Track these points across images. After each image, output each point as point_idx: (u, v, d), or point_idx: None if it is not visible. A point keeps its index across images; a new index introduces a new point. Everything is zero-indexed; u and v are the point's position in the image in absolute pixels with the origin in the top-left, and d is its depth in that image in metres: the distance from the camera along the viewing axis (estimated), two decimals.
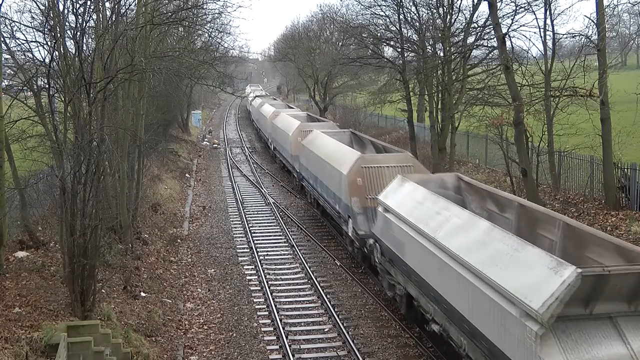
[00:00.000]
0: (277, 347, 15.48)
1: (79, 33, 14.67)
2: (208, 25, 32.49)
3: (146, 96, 25.32)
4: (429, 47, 33.75)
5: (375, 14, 36.85)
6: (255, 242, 24.34)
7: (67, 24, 16.17)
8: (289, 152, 33.79)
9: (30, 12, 25.83)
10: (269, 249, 23.53)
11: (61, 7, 16.03)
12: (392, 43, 37.28)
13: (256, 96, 63.53)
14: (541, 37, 26.02)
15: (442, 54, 31.68)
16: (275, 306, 17.75)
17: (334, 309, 17.36)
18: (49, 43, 16.64)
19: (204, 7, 29.71)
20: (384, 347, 15.17)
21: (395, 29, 35.71)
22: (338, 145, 24.86)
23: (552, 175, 25.05)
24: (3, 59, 16.32)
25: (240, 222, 27.74)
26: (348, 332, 15.86)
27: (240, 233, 26.04)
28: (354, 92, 55.27)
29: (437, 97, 32.75)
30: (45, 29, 17.08)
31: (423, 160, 31.48)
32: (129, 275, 18.35)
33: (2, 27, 16.96)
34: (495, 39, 25.41)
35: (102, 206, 16.21)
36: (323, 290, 18.79)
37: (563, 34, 35.31)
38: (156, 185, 31.25)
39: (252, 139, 59.53)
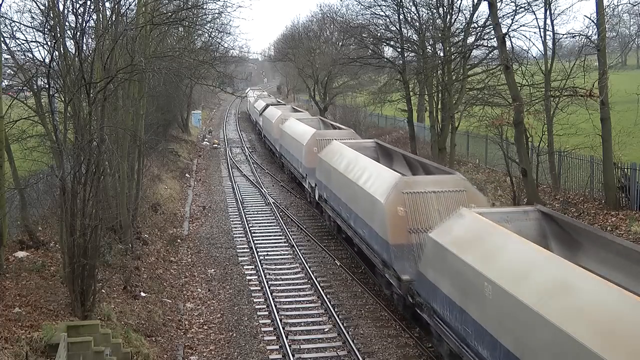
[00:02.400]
0: (277, 347, 15.48)
1: (79, 33, 14.67)
2: (208, 25, 32.54)
3: (146, 96, 25.32)
4: (429, 47, 33.75)
5: (375, 14, 36.88)
6: (255, 242, 24.34)
7: (67, 24, 16.18)
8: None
9: (30, 12, 25.83)
10: (269, 249, 23.53)
11: (61, 7, 16.04)
12: (392, 43, 37.29)
13: (267, 105, 54.22)
14: (541, 37, 26.07)
15: (442, 54, 31.69)
16: (275, 306, 17.75)
17: (334, 309, 17.36)
18: (49, 43, 16.65)
19: (204, 7, 29.76)
20: (384, 347, 15.17)
21: (395, 29, 35.72)
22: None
23: (552, 175, 25.05)
24: (3, 59, 16.32)
25: (240, 222, 27.74)
26: (348, 332, 15.86)
27: (240, 233, 26.04)
28: (354, 92, 55.26)
29: (437, 97, 32.75)
30: (45, 29, 17.09)
31: None
32: (129, 275, 18.35)
33: (2, 27, 16.98)
34: (495, 39, 25.41)
35: (102, 206, 16.19)
36: (323, 290, 18.79)
37: (563, 34, 35.37)
38: (156, 185, 31.25)
39: (252, 139, 59.53)
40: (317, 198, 25.94)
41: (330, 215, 23.52)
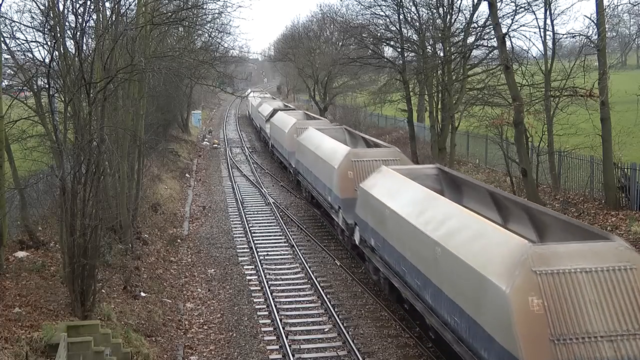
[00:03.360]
0: (277, 347, 15.48)
1: (79, 33, 14.67)
2: (208, 25, 32.55)
3: (146, 96, 25.32)
4: (429, 47, 33.75)
5: (375, 14, 36.88)
6: (255, 242, 24.34)
7: (67, 24, 16.17)
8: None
9: (30, 12, 25.81)
10: (269, 249, 23.52)
11: (61, 7, 16.04)
12: (392, 43, 37.29)
13: (275, 110, 46.93)
14: (541, 37, 26.04)
15: (442, 54, 31.69)
16: (275, 306, 17.74)
17: (334, 309, 17.35)
18: (49, 43, 16.65)
19: (204, 7, 29.77)
20: (384, 347, 15.17)
21: (395, 29, 35.71)
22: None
23: (552, 175, 25.04)
24: (3, 59, 16.33)
25: (240, 222, 27.74)
26: (348, 332, 15.86)
27: (240, 233, 26.04)
28: (354, 92, 55.30)
29: (437, 97, 32.76)
30: (45, 29, 17.10)
31: (423, 160, 31.53)
32: (129, 275, 18.35)
33: (2, 27, 16.99)
34: (495, 39, 25.41)
35: (102, 206, 16.20)
36: (323, 290, 18.78)
37: (563, 34, 35.40)
38: (156, 185, 31.25)
39: (252, 139, 59.52)
40: (357, 242, 20.16)
41: (382, 271, 17.47)
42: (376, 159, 22.11)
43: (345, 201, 21.57)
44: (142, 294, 17.73)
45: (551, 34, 25.67)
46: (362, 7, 38.32)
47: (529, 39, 79.04)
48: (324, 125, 33.60)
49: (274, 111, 46.36)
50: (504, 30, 24.31)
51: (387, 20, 36.41)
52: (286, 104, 63.13)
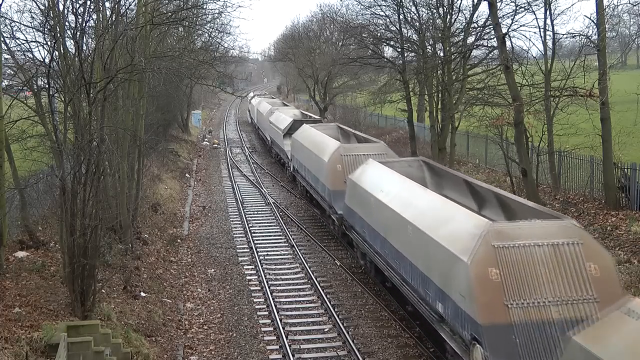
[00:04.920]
0: (277, 347, 15.48)
1: (79, 33, 14.68)
2: (208, 25, 32.57)
3: (146, 96, 25.32)
4: (429, 47, 33.72)
5: (375, 14, 36.84)
6: (255, 242, 24.34)
7: (67, 24, 16.18)
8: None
9: (30, 12, 25.76)
10: (269, 249, 23.53)
11: (61, 7, 16.06)
12: (392, 43, 37.24)
13: (295, 120, 37.43)
14: (541, 37, 26.03)
15: (442, 54, 31.66)
16: (275, 306, 17.74)
17: (334, 309, 17.36)
18: (49, 43, 16.65)
19: (204, 7, 29.79)
20: (384, 347, 15.17)
21: (395, 29, 35.68)
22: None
23: (552, 175, 25.04)
24: (3, 59, 16.33)
25: (240, 222, 27.74)
26: (348, 332, 15.86)
27: (240, 233, 26.04)
28: (354, 92, 55.27)
29: (437, 97, 32.73)
30: (45, 29, 17.09)
31: None
32: (129, 275, 18.35)
33: (2, 27, 16.98)
34: (495, 39, 25.40)
35: (102, 206, 16.20)
36: (323, 290, 18.79)
37: (563, 34, 35.32)
38: (156, 185, 31.25)
39: (252, 139, 59.53)
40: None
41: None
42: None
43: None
44: (142, 294, 17.73)
45: (551, 34, 25.69)
46: (362, 7, 38.32)
47: (529, 39, 78.93)
48: (376, 149, 24.08)
49: (294, 122, 36.44)
50: (504, 30, 24.33)
51: (387, 20, 36.40)
52: (307, 112, 48.19)
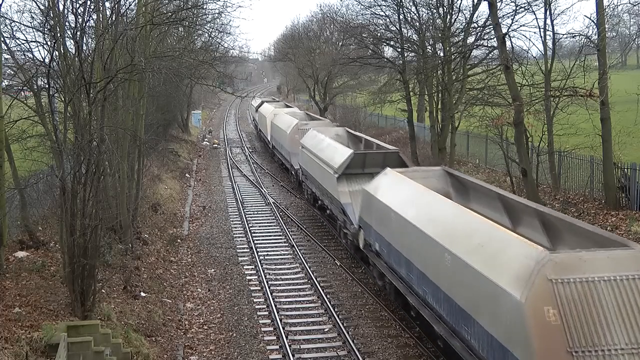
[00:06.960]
0: (277, 347, 15.48)
1: (79, 33, 14.67)
2: (208, 25, 32.58)
3: (146, 96, 25.32)
4: (429, 47, 33.75)
5: (375, 14, 36.88)
6: (255, 242, 24.34)
7: (67, 23, 16.18)
8: None
9: (30, 12, 25.79)
10: (269, 249, 23.53)
11: (61, 7, 16.05)
12: (392, 43, 37.28)
13: (330, 139, 26.49)
14: (541, 37, 26.02)
15: (442, 54, 31.69)
16: (275, 306, 17.74)
17: (334, 309, 17.35)
18: (49, 43, 16.65)
19: (204, 7, 29.78)
20: (384, 347, 15.16)
21: (395, 29, 35.71)
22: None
23: (552, 175, 25.04)
24: (3, 59, 16.32)
25: (240, 222, 27.74)
26: (348, 332, 15.86)
27: (240, 233, 26.04)
28: (354, 92, 55.27)
29: (437, 97, 32.76)
30: (45, 29, 17.10)
31: (423, 160, 31.54)
32: (129, 275, 18.35)
33: (2, 27, 16.98)
34: (495, 39, 25.40)
35: (102, 206, 16.20)
36: (323, 290, 18.78)
37: (563, 34, 35.36)
38: (156, 185, 31.26)
39: (252, 139, 59.52)
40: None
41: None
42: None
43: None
44: (142, 294, 17.73)
45: (551, 34, 25.68)
46: (362, 7, 38.37)
47: (529, 39, 79.11)
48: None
49: (328, 143, 25.77)
50: (504, 30, 24.33)
51: (387, 20, 36.44)
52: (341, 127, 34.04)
